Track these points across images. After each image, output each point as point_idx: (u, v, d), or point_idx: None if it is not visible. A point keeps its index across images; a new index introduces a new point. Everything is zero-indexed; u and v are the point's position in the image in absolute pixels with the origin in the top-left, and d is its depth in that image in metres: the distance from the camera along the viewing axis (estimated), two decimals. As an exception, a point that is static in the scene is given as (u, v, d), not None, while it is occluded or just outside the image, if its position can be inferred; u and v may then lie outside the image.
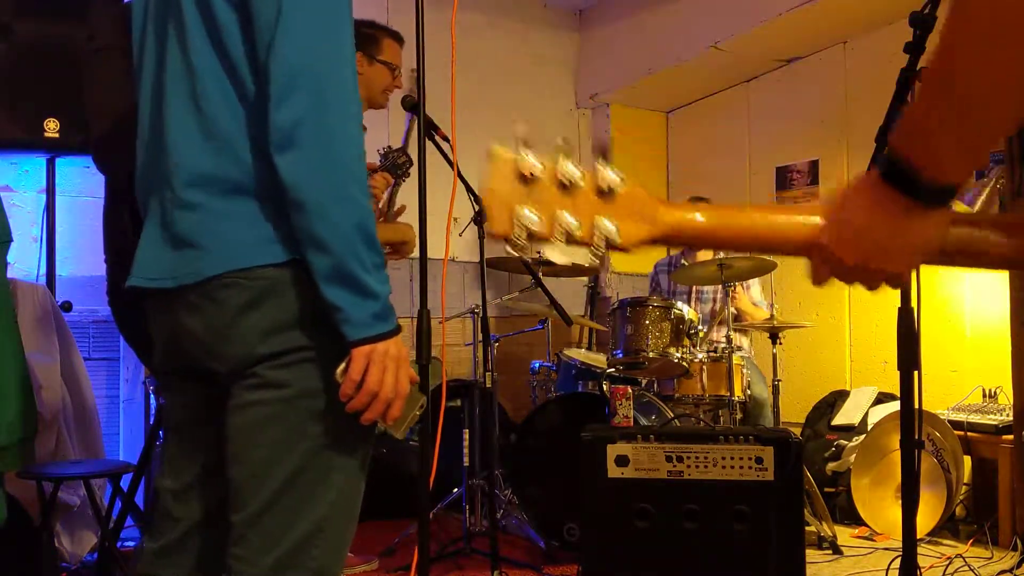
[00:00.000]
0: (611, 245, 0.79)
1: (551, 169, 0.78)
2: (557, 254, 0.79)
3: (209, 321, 1.25)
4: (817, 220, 0.81)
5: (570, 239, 0.79)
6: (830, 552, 3.34)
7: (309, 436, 1.25)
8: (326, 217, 1.19)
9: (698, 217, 0.81)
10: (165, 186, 1.29)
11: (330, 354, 1.25)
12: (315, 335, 1.24)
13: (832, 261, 0.80)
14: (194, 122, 1.26)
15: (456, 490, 3.61)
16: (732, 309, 3.65)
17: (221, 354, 1.26)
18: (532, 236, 0.78)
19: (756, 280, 4.27)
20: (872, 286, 0.82)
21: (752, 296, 4.23)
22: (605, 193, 0.79)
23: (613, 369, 3.55)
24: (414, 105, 2.30)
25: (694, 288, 4.34)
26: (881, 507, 3.58)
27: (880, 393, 4.15)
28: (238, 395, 1.26)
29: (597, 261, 0.80)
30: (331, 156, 1.20)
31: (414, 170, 2.32)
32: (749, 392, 3.74)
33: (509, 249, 0.79)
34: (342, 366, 1.23)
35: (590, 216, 0.78)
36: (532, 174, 0.78)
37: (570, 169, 0.78)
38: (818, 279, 0.82)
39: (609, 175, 0.78)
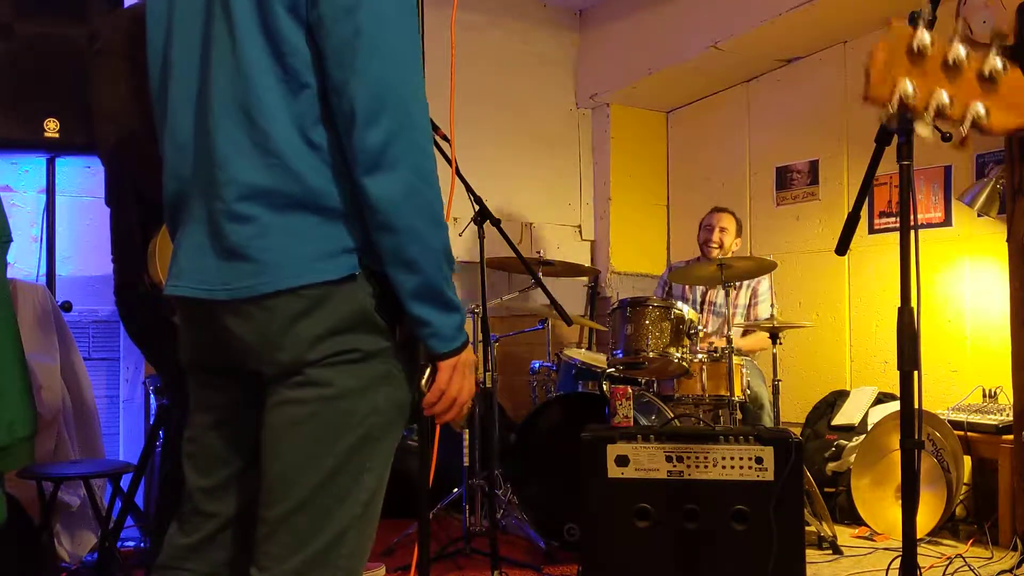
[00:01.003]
0: (978, 126, 0.80)
1: (941, 48, 0.80)
2: (923, 128, 0.81)
3: (260, 329, 1.25)
4: None
5: (940, 115, 0.80)
6: (830, 552, 3.34)
7: (346, 436, 1.26)
8: (420, 241, 1.23)
9: None
10: (214, 197, 1.26)
11: (376, 356, 1.27)
12: (361, 338, 1.26)
13: None
14: (246, 135, 1.24)
15: (456, 490, 3.61)
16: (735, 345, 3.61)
17: (270, 360, 1.26)
18: (905, 107, 0.80)
19: (767, 294, 4.26)
20: None
21: (759, 312, 4.23)
22: (987, 79, 0.80)
23: (613, 369, 3.55)
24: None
25: (708, 301, 4.34)
26: (881, 507, 3.58)
27: (880, 393, 4.15)
28: (278, 392, 1.26)
29: (957, 141, 0.81)
30: (422, 178, 1.23)
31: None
32: (749, 392, 3.74)
33: (881, 115, 0.81)
34: (426, 376, 1.31)
35: (966, 98, 0.80)
36: (921, 50, 0.79)
37: (959, 51, 0.79)
38: None
39: (995, 62, 0.80)
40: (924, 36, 0.79)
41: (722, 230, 4.29)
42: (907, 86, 0.79)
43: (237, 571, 1.37)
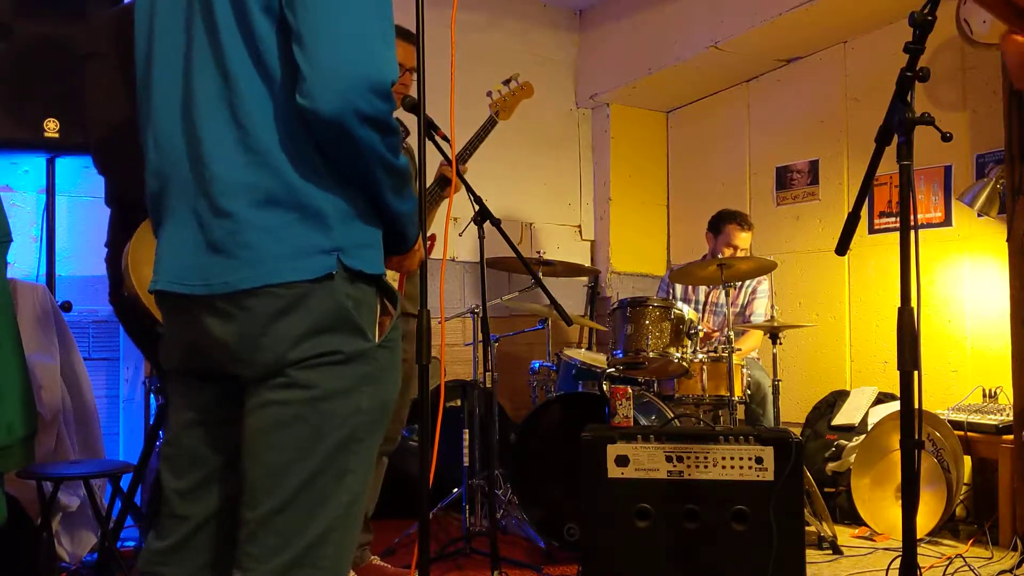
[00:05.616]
0: None
1: None
2: None
3: (240, 329, 1.26)
4: None
5: None
6: (830, 552, 3.33)
7: (329, 438, 1.26)
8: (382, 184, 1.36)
9: None
10: (200, 194, 1.29)
11: (358, 358, 1.28)
12: (342, 339, 1.27)
13: None
14: (231, 133, 1.26)
15: (456, 490, 3.61)
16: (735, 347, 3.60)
17: (251, 361, 1.26)
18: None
19: (766, 292, 4.25)
20: None
21: (755, 308, 4.22)
22: None
23: (613, 369, 3.55)
24: (414, 105, 2.30)
25: (710, 301, 4.34)
26: (881, 507, 3.58)
27: (880, 393, 4.15)
28: (260, 394, 1.27)
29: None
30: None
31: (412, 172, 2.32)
32: (750, 380, 3.73)
33: None
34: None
35: None
36: None
37: None
38: None
39: None
40: None
41: (742, 250, 4.22)
42: None
43: (215, 574, 1.38)
